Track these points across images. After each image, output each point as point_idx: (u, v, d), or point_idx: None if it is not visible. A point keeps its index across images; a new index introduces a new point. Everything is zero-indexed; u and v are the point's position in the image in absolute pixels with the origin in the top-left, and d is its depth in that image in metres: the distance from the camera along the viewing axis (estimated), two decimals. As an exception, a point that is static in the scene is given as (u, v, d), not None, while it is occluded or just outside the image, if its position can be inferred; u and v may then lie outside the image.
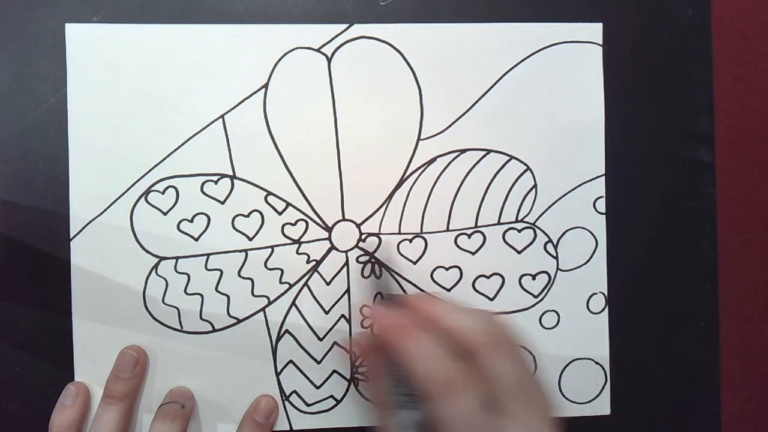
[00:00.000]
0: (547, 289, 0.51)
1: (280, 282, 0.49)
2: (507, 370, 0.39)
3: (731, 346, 0.53)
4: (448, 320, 0.41)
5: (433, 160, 0.50)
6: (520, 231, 0.51)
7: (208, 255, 0.49)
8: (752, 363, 0.54)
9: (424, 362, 0.39)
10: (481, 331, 0.40)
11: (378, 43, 0.49)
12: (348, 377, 0.50)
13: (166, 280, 0.48)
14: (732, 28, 0.53)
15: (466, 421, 0.38)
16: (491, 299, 0.51)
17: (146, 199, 0.48)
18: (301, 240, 0.49)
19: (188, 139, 0.48)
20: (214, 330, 0.49)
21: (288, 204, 0.49)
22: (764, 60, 0.54)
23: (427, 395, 0.38)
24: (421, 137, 0.50)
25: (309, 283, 0.49)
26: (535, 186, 0.51)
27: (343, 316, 0.50)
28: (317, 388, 0.50)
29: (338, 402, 0.50)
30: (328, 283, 0.50)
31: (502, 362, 0.39)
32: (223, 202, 0.49)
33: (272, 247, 0.49)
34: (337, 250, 0.50)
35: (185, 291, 0.49)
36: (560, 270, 0.51)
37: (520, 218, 0.51)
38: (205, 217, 0.49)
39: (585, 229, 0.51)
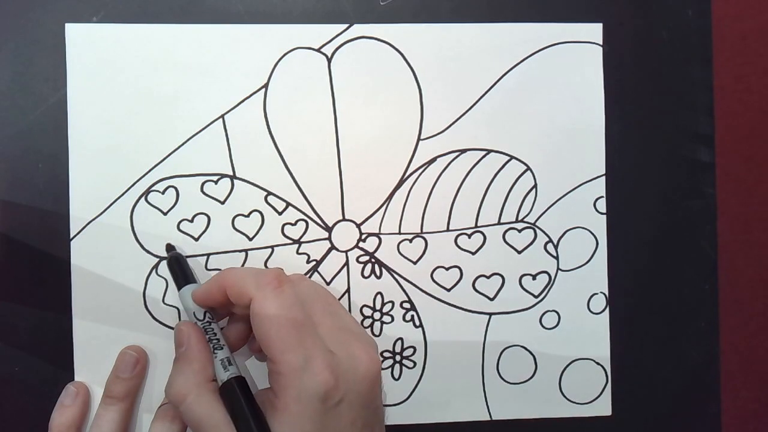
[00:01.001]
0: (547, 289, 0.51)
1: (281, 282, 0.49)
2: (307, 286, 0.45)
3: (731, 346, 0.53)
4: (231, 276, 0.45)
5: (434, 160, 0.50)
6: (520, 231, 0.51)
7: (209, 255, 0.49)
8: (752, 363, 0.54)
9: (246, 272, 0.43)
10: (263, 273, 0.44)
11: (378, 43, 0.49)
12: (348, 377, 0.50)
13: (166, 280, 0.48)
14: (732, 28, 0.53)
15: (291, 310, 0.41)
16: (491, 299, 0.51)
17: (146, 199, 0.48)
18: (301, 240, 0.49)
19: (188, 139, 0.48)
20: (214, 330, 0.49)
21: (288, 204, 0.49)
22: (764, 60, 0.53)
23: (254, 298, 0.42)
24: (421, 137, 0.50)
25: (309, 283, 0.49)
26: (535, 186, 0.51)
27: (343, 316, 0.50)
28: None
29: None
30: (328, 283, 0.50)
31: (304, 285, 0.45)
32: (223, 202, 0.49)
33: (272, 247, 0.49)
34: (337, 250, 0.50)
35: (185, 291, 0.49)
36: (561, 270, 0.51)
37: (520, 218, 0.51)
38: (205, 217, 0.49)
39: (585, 229, 0.51)
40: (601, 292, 0.52)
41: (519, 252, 0.51)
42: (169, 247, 0.48)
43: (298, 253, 0.49)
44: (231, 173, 0.49)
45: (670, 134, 0.52)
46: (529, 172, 0.51)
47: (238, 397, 0.41)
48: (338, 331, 0.43)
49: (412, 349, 0.50)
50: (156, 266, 0.48)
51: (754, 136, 0.53)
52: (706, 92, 0.52)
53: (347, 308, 0.50)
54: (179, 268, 0.47)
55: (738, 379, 0.53)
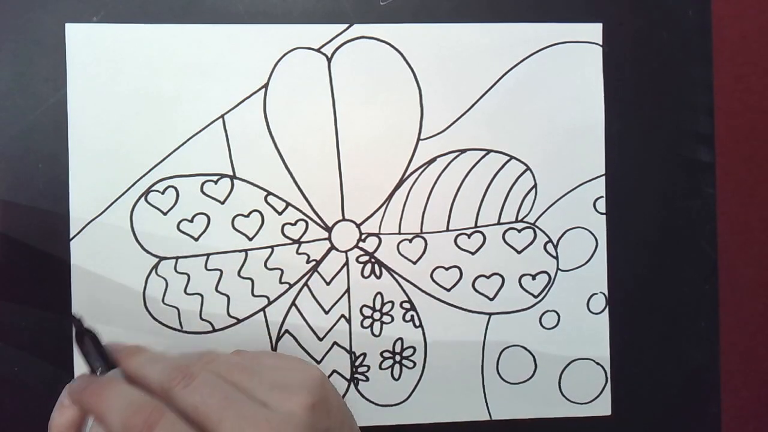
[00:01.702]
0: (547, 289, 0.51)
1: (280, 282, 0.49)
2: (205, 393, 0.37)
3: (731, 346, 0.53)
4: (131, 367, 0.39)
5: (433, 160, 0.50)
6: (520, 231, 0.51)
7: (208, 255, 0.49)
8: (752, 363, 0.54)
9: (115, 404, 0.36)
10: (168, 369, 0.38)
11: (378, 43, 0.49)
12: (348, 377, 0.50)
13: (166, 280, 0.48)
14: (732, 28, 0.53)
15: None
16: (491, 299, 0.51)
17: (146, 199, 0.48)
18: (301, 240, 0.49)
19: (188, 139, 0.48)
20: (214, 330, 0.49)
21: (288, 204, 0.49)
22: (764, 60, 0.53)
23: None
24: (421, 137, 0.50)
25: (309, 283, 0.49)
26: (535, 186, 0.51)
27: (342, 316, 0.50)
28: (317, 388, 0.50)
29: (338, 402, 0.50)
30: (327, 283, 0.50)
31: (197, 390, 0.37)
32: (223, 202, 0.49)
33: (272, 247, 0.49)
34: (337, 250, 0.50)
35: (185, 291, 0.49)
36: (560, 270, 0.51)
37: (520, 218, 0.51)
38: (205, 217, 0.49)
39: (585, 229, 0.51)
40: (601, 292, 0.52)
41: (519, 252, 0.51)
42: (77, 322, 0.41)
43: (297, 253, 0.49)
44: (231, 173, 0.49)
45: (670, 134, 0.52)
46: (528, 172, 0.51)
47: None
48: (240, 421, 0.36)
49: (412, 349, 0.50)
50: (156, 266, 0.48)
51: (754, 136, 0.53)
52: (706, 92, 0.52)
53: (347, 308, 0.50)
54: (94, 350, 0.41)
55: (738, 379, 0.53)
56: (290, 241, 0.49)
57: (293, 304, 0.49)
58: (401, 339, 0.50)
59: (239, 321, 0.49)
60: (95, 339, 0.41)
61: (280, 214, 0.49)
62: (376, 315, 0.50)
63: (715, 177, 0.53)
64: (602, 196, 0.51)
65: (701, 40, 0.52)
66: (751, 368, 0.54)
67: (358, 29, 0.49)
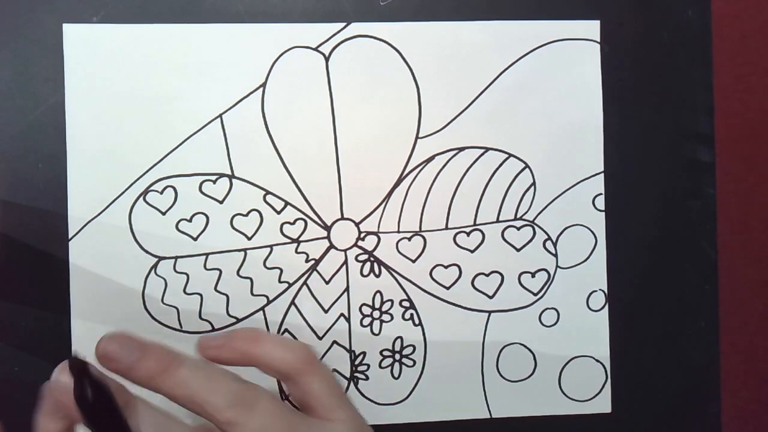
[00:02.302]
0: (546, 286, 0.51)
1: (279, 281, 0.49)
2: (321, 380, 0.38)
3: (731, 346, 0.53)
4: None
5: (432, 158, 0.50)
6: (519, 229, 0.51)
7: (207, 254, 0.49)
8: (752, 363, 0.53)
9: (211, 387, 0.35)
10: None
11: (376, 42, 0.50)
12: (348, 376, 0.50)
13: (165, 280, 0.48)
14: (732, 28, 0.53)
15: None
16: (490, 297, 0.51)
17: (145, 199, 0.48)
18: (300, 239, 0.49)
19: (186, 139, 0.48)
20: (214, 329, 0.49)
21: (287, 203, 0.49)
22: (764, 60, 0.53)
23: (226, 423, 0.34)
24: (420, 135, 0.50)
25: (308, 282, 0.49)
26: (533, 183, 0.51)
27: (342, 315, 0.50)
28: (317, 387, 0.50)
29: (338, 401, 0.50)
30: (327, 282, 0.50)
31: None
32: (221, 202, 0.49)
33: (271, 246, 0.49)
34: (336, 248, 0.50)
35: (184, 291, 0.49)
36: (560, 267, 0.51)
37: (518, 216, 0.51)
38: (204, 217, 0.49)
39: (584, 226, 0.51)
40: (600, 290, 0.51)
41: (518, 250, 0.51)
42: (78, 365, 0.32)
43: (296, 252, 0.49)
44: (229, 173, 0.49)
45: (670, 134, 0.52)
46: (527, 169, 0.51)
47: None
48: None
49: (411, 348, 0.50)
50: (155, 266, 0.48)
51: (754, 136, 0.53)
52: (706, 92, 0.52)
53: (346, 307, 0.50)
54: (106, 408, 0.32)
55: (738, 379, 0.53)
56: (289, 240, 0.49)
57: (292, 303, 0.49)
58: (401, 337, 0.50)
59: (239, 320, 0.49)
60: (103, 395, 0.31)
61: (278, 213, 0.49)
62: (376, 314, 0.50)
63: (715, 177, 0.53)
64: (601, 194, 0.51)
65: (701, 40, 0.52)
66: (751, 368, 0.53)
67: (356, 28, 0.49)
